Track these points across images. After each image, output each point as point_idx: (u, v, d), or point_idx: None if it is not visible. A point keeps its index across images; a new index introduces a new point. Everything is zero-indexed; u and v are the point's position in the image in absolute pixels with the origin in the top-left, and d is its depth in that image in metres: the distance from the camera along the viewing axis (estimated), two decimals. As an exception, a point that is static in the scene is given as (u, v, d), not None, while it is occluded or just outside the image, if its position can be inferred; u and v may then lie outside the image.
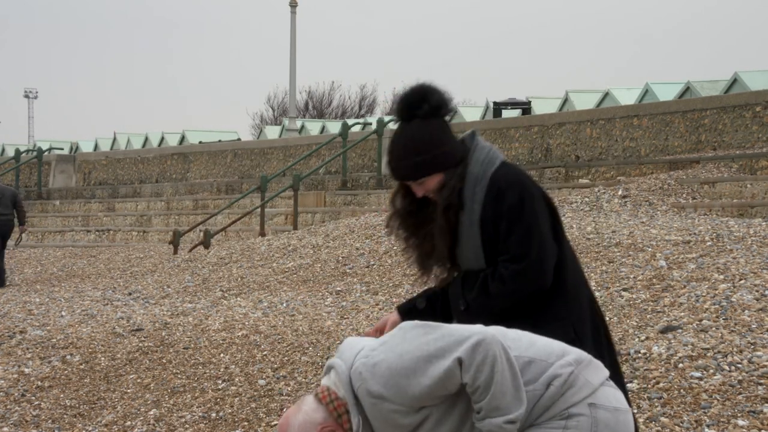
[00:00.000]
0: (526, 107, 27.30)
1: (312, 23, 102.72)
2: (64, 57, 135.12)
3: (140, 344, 8.26)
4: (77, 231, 24.37)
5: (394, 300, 8.91)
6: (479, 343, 2.91)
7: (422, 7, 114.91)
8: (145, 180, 28.01)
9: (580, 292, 3.55)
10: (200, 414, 6.39)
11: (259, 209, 18.70)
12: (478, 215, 3.53)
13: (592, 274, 8.28)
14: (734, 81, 23.92)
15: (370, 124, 23.41)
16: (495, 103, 27.92)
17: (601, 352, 3.44)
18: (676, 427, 4.95)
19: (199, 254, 14.56)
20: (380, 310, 8.65)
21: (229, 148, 26.69)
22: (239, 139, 35.71)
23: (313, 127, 38.24)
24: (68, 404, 6.98)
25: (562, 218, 11.87)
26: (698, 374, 5.48)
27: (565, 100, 29.60)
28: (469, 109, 33.81)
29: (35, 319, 9.93)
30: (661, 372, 5.59)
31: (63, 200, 27.39)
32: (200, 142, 31.28)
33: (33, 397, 7.20)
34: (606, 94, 28.78)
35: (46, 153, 30.49)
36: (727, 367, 5.52)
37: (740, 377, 5.36)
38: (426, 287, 3.76)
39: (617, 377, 3.42)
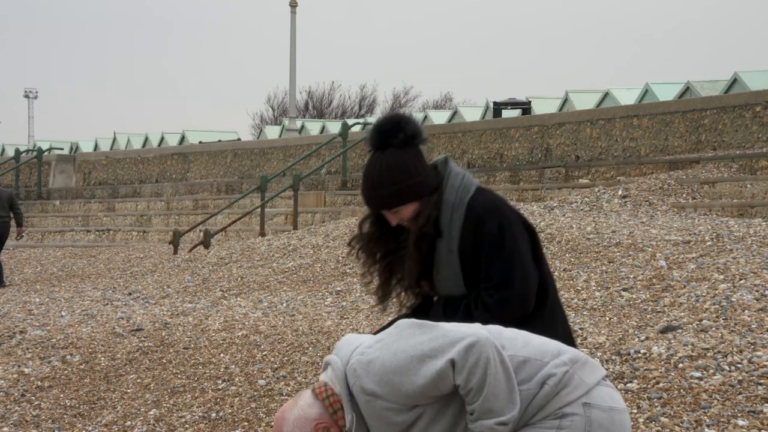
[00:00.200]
0: (526, 107, 27.30)
1: (312, 23, 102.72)
2: (64, 57, 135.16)
3: (140, 344, 8.26)
4: (77, 231, 24.37)
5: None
6: (472, 345, 2.91)
7: (422, 7, 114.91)
8: (145, 180, 28.01)
9: (556, 315, 3.58)
10: (200, 414, 6.39)
11: (259, 209, 18.70)
12: (456, 243, 3.54)
13: (592, 274, 8.29)
14: (734, 81, 23.93)
15: (370, 124, 23.39)
16: (495, 103, 27.93)
17: None
18: (676, 427, 4.95)
19: (199, 254, 14.57)
20: (380, 310, 8.65)
21: (229, 148, 26.69)
22: (239, 139, 35.72)
23: (313, 127, 38.24)
24: (68, 404, 6.98)
25: (562, 218, 11.88)
26: (698, 374, 5.48)
27: (565, 100, 29.60)
28: (469, 109, 33.81)
29: (35, 319, 9.93)
30: (661, 372, 5.59)
31: (63, 200, 27.40)
32: (200, 142, 31.28)
33: (33, 397, 7.20)
34: (606, 94, 28.79)
35: (46, 153, 30.50)
36: (727, 367, 5.52)
37: (740, 377, 5.37)
38: (404, 311, 3.78)
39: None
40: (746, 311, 6.46)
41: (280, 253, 12.84)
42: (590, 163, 17.23)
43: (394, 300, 3.78)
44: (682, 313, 6.67)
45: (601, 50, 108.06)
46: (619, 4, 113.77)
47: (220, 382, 6.96)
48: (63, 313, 10.27)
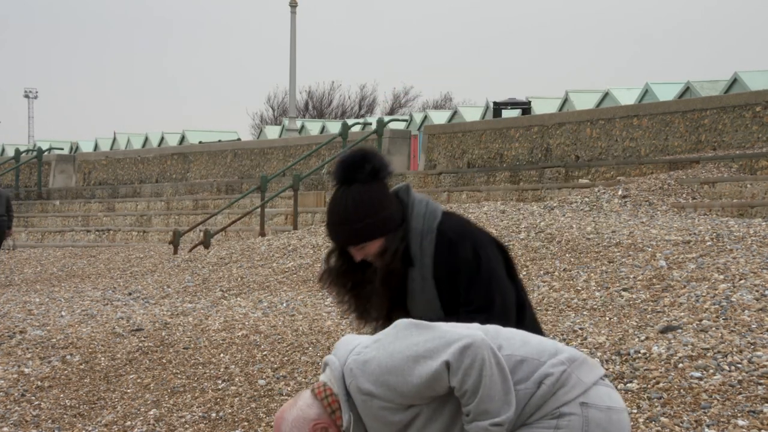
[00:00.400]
0: (526, 107, 27.31)
1: (312, 23, 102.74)
2: (64, 57, 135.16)
3: (140, 344, 8.26)
4: (77, 231, 24.37)
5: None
6: (468, 346, 2.91)
7: (422, 7, 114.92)
8: (145, 180, 28.01)
9: (536, 330, 3.59)
10: (200, 414, 6.39)
11: (259, 209, 18.71)
12: (430, 270, 3.54)
13: (592, 274, 8.29)
14: (734, 81, 23.94)
15: (370, 124, 23.41)
16: (495, 103, 27.93)
17: None
18: (676, 427, 4.95)
19: (199, 254, 14.57)
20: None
21: (229, 148, 26.69)
22: (239, 139, 35.73)
23: (313, 127, 38.26)
24: (68, 404, 6.98)
25: (562, 218, 11.88)
26: (698, 374, 5.48)
27: (565, 100, 29.61)
28: (469, 109, 33.82)
29: (35, 319, 9.93)
30: (661, 372, 5.59)
31: (63, 200, 27.40)
32: (200, 142, 31.29)
33: (33, 397, 7.20)
34: (606, 94, 28.79)
35: (46, 153, 30.50)
36: (727, 367, 5.52)
37: (740, 377, 5.37)
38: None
39: None
40: (746, 311, 6.46)
41: (280, 253, 12.84)
42: (590, 163, 17.23)
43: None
44: (682, 313, 6.67)
45: (601, 50, 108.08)
46: (619, 4, 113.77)
47: (220, 382, 6.96)
48: (63, 313, 10.27)
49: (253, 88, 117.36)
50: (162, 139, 39.38)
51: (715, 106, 16.51)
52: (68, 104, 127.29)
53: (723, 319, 6.40)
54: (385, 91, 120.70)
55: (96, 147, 41.33)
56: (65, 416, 6.75)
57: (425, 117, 34.23)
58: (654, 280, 7.71)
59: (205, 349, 7.84)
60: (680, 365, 5.64)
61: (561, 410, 2.98)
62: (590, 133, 18.24)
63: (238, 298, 10.29)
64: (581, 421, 2.98)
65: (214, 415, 6.34)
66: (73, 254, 18.22)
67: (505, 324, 3.46)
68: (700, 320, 6.43)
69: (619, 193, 13.40)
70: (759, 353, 5.63)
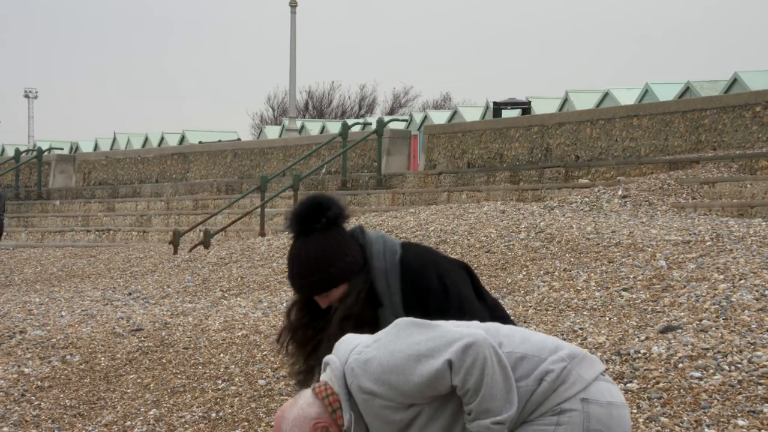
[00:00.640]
0: (526, 107, 27.31)
1: (312, 23, 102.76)
2: (64, 57, 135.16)
3: (140, 344, 8.26)
4: (77, 231, 24.37)
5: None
6: (470, 345, 2.91)
7: (422, 7, 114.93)
8: (145, 180, 28.01)
9: None
10: (200, 414, 6.39)
11: (259, 209, 18.70)
12: (401, 305, 3.53)
13: (592, 274, 8.29)
14: (734, 81, 23.95)
15: (370, 124, 23.42)
16: (495, 103, 27.93)
17: None
18: (676, 427, 4.95)
19: (199, 254, 14.56)
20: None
21: (229, 148, 26.69)
22: (239, 139, 35.74)
23: (313, 127, 38.28)
24: (68, 404, 6.98)
25: (562, 218, 11.88)
26: (698, 374, 5.48)
27: (565, 100, 29.62)
28: (469, 109, 33.83)
29: (35, 319, 9.93)
30: (661, 372, 5.59)
31: (63, 200, 27.40)
32: (200, 142, 31.29)
33: (33, 397, 7.20)
34: (606, 94, 28.80)
35: (46, 153, 30.50)
36: (727, 367, 5.52)
37: (740, 377, 5.37)
38: None
39: None
40: (746, 311, 6.46)
41: (280, 253, 12.84)
42: (590, 163, 17.23)
43: None
44: (682, 313, 6.67)
45: (601, 50, 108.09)
46: (619, 4, 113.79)
47: (220, 382, 6.96)
48: (63, 313, 10.27)
49: (253, 88, 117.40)
50: (162, 139, 39.39)
51: (715, 106, 16.51)
52: (68, 104, 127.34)
53: (723, 319, 6.40)
54: (385, 91, 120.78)
55: (96, 147, 41.34)
56: (65, 416, 6.75)
57: (425, 117, 34.24)
58: (654, 280, 7.71)
59: (205, 349, 7.84)
60: (680, 365, 5.64)
61: (562, 406, 2.99)
62: (590, 133, 18.24)
63: (238, 298, 10.29)
64: (582, 416, 2.99)
65: (214, 415, 6.34)
66: (73, 254, 18.21)
67: None
68: (700, 320, 6.43)
69: (619, 193, 13.40)
70: (759, 353, 5.63)
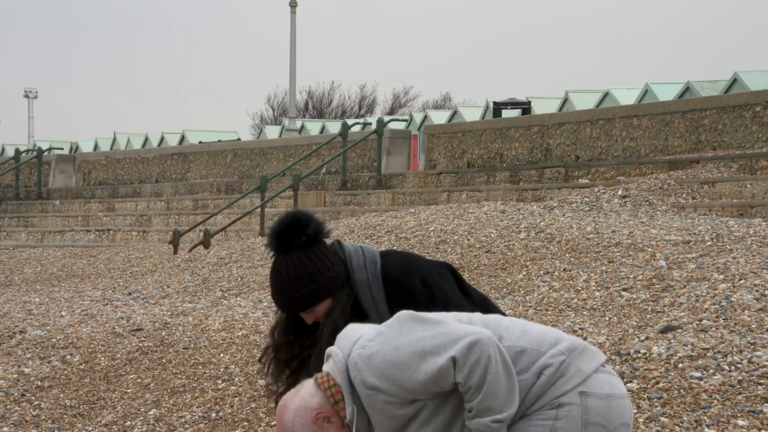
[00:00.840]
0: (526, 107, 27.32)
1: (312, 23, 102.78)
2: (64, 57, 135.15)
3: (140, 344, 8.26)
4: (77, 231, 24.37)
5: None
6: (474, 343, 2.92)
7: (422, 7, 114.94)
8: (145, 180, 28.01)
9: None
10: (200, 414, 6.39)
11: (259, 209, 18.70)
12: (387, 315, 3.52)
13: (592, 274, 8.28)
14: (734, 81, 23.95)
15: (370, 124, 23.42)
16: (495, 103, 27.94)
17: None
18: (676, 427, 4.95)
19: (199, 254, 14.57)
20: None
21: (229, 148, 26.69)
22: (239, 139, 35.74)
23: (313, 127, 38.28)
24: (68, 404, 6.98)
25: (562, 218, 11.87)
26: (698, 374, 5.48)
27: (565, 100, 29.62)
28: (469, 109, 33.83)
29: (35, 319, 9.93)
30: (660, 372, 5.59)
31: (63, 200, 27.40)
32: (200, 142, 31.29)
33: (33, 397, 7.20)
34: (606, 94, 28.80)
35: (46, 153, 30.50)
36: (727, 367, 5.52)
37: (740, 377, 5.37)
38: None
39: None
40: (746, 311, 6.46)
41: (280, 253, 12.84)
42: (590, 163, 17.23)
43: None
44: (682, 313, 6.67)
45: (601, 50, 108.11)
46: (619, 4, 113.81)
47: (220, 382, 6.96)
48: (63, 313, 10.27)
49: (253, 88, 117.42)
50: (162, 139, 39.38)
51: (715, 106, 16.50)
52: (68, 104, 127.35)
53: (723, 319, 6.40)
54: (385, 91, 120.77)
55: (96, 147, 41.33)
56: (65, 416, 6.75)
57: (425, 117, 34.24)
58: (654, 280, 7.71)
59: (205, 349, 7.84)
60: (680, 365, 5.64)
61: (560, 400, 2.99)
62: (590, 133, 18.24)
63: (238, 298, 10.29)
64: (580, 410, 2.99)
65: (214, 415, 6.34)
66: (73, 254, 18.21)
67: None
68: (700, 320, 6.43)
69: (619, 193, 13.40)
70: (759, 353, 5.63)
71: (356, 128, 25.12)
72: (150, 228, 22.80)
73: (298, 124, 36.32)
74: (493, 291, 8.42)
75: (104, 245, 21.52)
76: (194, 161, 26.93)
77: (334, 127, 34.73)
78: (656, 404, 5.21)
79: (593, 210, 12.77)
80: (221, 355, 7.62)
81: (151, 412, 6.55)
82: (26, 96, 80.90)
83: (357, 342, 3.06)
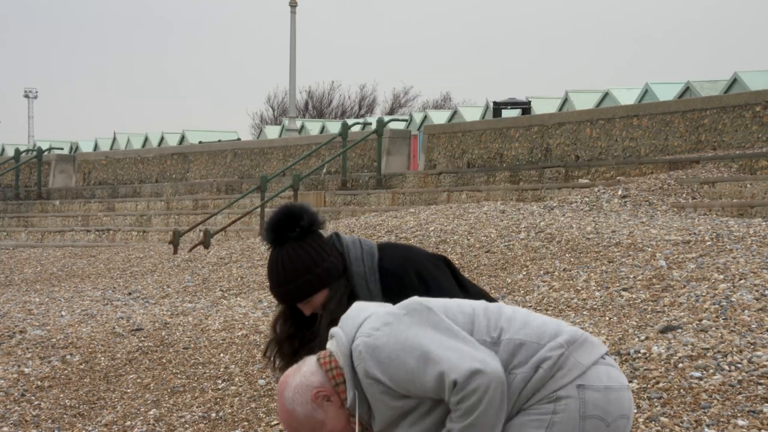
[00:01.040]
0: (526, 107, 27.32)
1: (312, 23, 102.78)
2: (64, 57, 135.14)
3: (140, 344, 8.26)
4: (77, 231, 24.37)
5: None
6: (478, 371, 2.92)
7: (422, 7, 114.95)
8: (145, 180, 28.01)
9: None
10: (200, 414, 6.39)
11: (259, 209, 18.70)
12: None
13: (592, 274, 8.28)
14: (734, 81, 23.95)
15: (370, 124, 23.42)
16: (495, 103, 27.94)
17: None
18: (676, 427, 4.95)
19: (199, 254, 14.57)
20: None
21: (229, 148, 26.69)
22: (239, 139, 35.74)
23: (313, 127, 38.28)
24: (68, 404, 6.98)
25: (562, 218, 11.87)
26: (698, 374, 5.48)
27: (565, 100, 29.61)
28: (469, 109, 33.83)
29: (35, 319, 9.93)
30: (660, 372, 5.59)
31: (63, 200, 27.39)
32: (200, 142, 31.29)
33: (33, 397, 7.20)
34: (606, 94, 28.80)
35: (45, 153, 30.50)
36: (727, 367, 5.52)
37: (740, 377, 5.37)
38: None
39: None
40: (746, 311, 6.46)
41: (280, 253, 12.84)
42: (590, 163, 17.23)
43: None
44: (682, 313, 6.67)
45: (601, 50, 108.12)
46: (619, 4, 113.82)
47: (220, 382, 6.96)
48: (63, 313, 10.27)
49: (253, 88, 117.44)
50: (162, 139, 39.38)
51: (715, 106, 16.51)
52: (68, 104, 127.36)
53: (723, 319, 6.40)
54: (385, 91, 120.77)
55: (96, 147, 41.33)
56: (65, 416, 6.75)
57: (425, 117, 34.24)
58: (654, 280, 7.71)
59: (205, 349, 7.84)
60: (680, 365, 5.64)
61: (558, 393, 2.99)
62: (590, 133, 18.24)
63: (238, 298, 10.29)
64: (578, 403, 2.99)
65: (214, 415, 6.34)
66: (73, 254, 18.21)
67: None
68: (700, 320, 6.42)
69: (619, 193, 13.40)
70: (759, 353, 5.63)
71: (356, 128, 25.12)
72: (150, 228, 22.80)
73: (298, 124, 36.32)
74: (493, 291, 8.42)
75: (104, 245, 21.52)
76: (194, 161, 26.93)
77: (334, 127, 34.73)
78: (656, 404, 5.21)
79: (593, 210, 12.77)
80: (221, 355, 7.62)
81: (151, 412, 6.55)
82: (26, 96, 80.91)
83: (362, 327, 3.06)
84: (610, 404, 3.02)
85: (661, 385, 5.43)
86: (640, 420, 5.05)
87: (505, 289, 8.44)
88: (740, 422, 4.88)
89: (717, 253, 8.33)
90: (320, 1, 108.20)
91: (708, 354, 5.74)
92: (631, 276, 7.96)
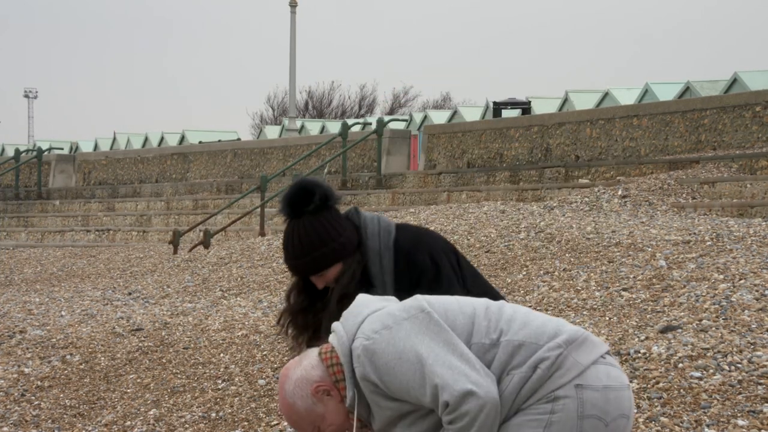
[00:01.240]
0: (526, 107, 27.32)
1: (312, 23, 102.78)
2: (64, 57, 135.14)
3: (140, 344, 8.26)
4: (77, 231, 24.37)
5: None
6: (471, 394, 2.92)
7: (422, 7, 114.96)
8: (145, 180, 28.01)
9: None
10: (200, 414, 6.39)
11: (259, 209, 18.70)
12: (392, 286, 3.60)
13: (592, 274, 8.28)
14: (734, 81, 23.94)
15: (370, 124, 23.42)
16: (495, 103, 27.94)
17: None
18: (676, 427, 4.95)
19: (199, 254, 14.57)
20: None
21: (229, 148, 26.69)
22: (239, 139, 35.73)
23: (313, 127, 38.27)
24: (68, 404, 6.98)
25: (562, 218, 11.87)
26: (698, 374, 5.48)
27: (565, 100, 29.61)
28: (469, 109, 33.82)
29: (35, 319, 9.93)
30: (660, 372, 5.59)
31: (63, 200, 27.39)
32: (200, 142, 31.28)
33: (33, 397, 7.20)
34: (606, 94, 28.79)
35: (45, 153, 30.50)
36: (727, 367, 5.52)
37: (740, 377, 5.37)
38: None
39: None
40: (746, 311, 6.46)
41: (280, 252, 12.84)
42: (590, 163, 17.23)
43: None
44: (682, 313, 6.67)
45: (601, 50, 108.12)
46: (619, 4, 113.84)
47: (220, 382, 6.96)
48: (63, 313, 10.27)
49: (253, 88, 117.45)
50: (162, 139, 39.37)
51: (715, 106, 16.50)
52: (68, 104, 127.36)
53: (723, 319, 6.40)
54: (385, 91, 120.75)
55: (96, 147, 41.32)
56: (65, 416, 6.75)
57: (425, 117, 34.23)
58: (654, 280, 7.71)
59: (205, 349, 7.84)
60: (680, 365, 5.64)
61: (556, 393, 2.98)
62: (590, 133, 18.24)
63: (238, 298, 10.29)
64: (576, 403, 2.98)
65: (214, 415, 6.34)
66: (73, 254, 18.22)
67: None
68: (700, 320, 6.42)
69: (619, 193, 13.41)
70: (759, 353, 5.63)
71: (356, 128, 25.12)
72: (150, 228, 22.80)
73: (298, 124, 36.32)
74: (493, 291, 8.41)
75: (104, 245, 21.52)
76: (194, 161, 26.93)
77: (334, 127, 34.72)
78: (656, 404, 5.21)
79: (593, 210, 12.77)
80: (221, 355, 7.62)
81: (151, 412, 6.55)
82: (26, 96, 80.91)
83: (362, 326, 3.06)
84: (609, 404, 3.01)
85: (661, 385, 5.43)
86: (640, 420, 5.05)
87: (505, 289, 8.44)
88: (740, 422, 4.88)
89: (717, 253, 8.33)
90: (320, 1, 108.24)
91: (708, 354, 5.74)
92: (631, 276, 7.96)
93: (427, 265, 3.57)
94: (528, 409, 2.99)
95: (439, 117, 34.46)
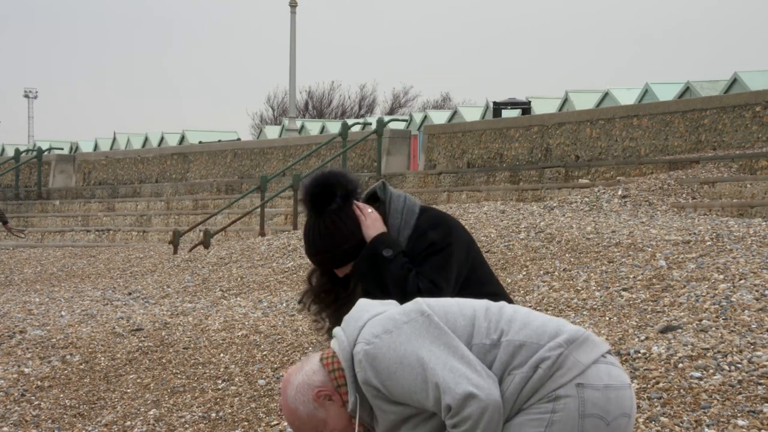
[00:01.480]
0: (526, 107, 27.31)
1: (312, 23, 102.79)
2: (64, 57, 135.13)
3: (140, 344, 8.27)
4: (77, 231, 24.37)
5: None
6: (473, 397, 2.92)
7: (422, 7, 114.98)
8: (145, 180, 28.01)
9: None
10: (200, 414, 6.39)
11: (259, 209, 18.70)
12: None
13: (592, 274, 8.28)
14: (734, 81, 23.93)
15: (370, 124, 23.42)
16: (495, 103, 27.92)
17: None
18: (676, 427, 4.95)
19: (199, 254, 14.57)
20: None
21: (229, 148, 26.69)
22: (239, 139, 35.72)
23: (313, 127, 38.26)
24: (68, 404, 6.98)
25: (562, 218, 11.87)
26: (698, 374, 5.48)
27: (565, 100, 29.60)
28: (469, 109, 33.81)
29: (35, 319, 9.93)
30: (660, 372, 5.59)
31: (63, 200, 27.39)
32: (200, 142, 31.28)
33: (33, 397, 7.20)
34: (606, 94, 28.78)
35: (45, 153, 30.50)
36: (727, 367, 5.52)
37: (740, 377, 5.37)
38: None
39: None
40: (746, 311, 6.46)
41: (280, 252, 12.84)
42: (590, 163, 17.23)
43: None
44: (682, 313, 6.67)
45: (601, 50, 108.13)
46: (619, 4, 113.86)
47: (220, 382, 6.96)
48: (63, 313, 10.27)
49: (253, 88, 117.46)
50: (162, 139, 39.36)
51: (715, 106, 16.51)
52: (68, 104, 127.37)
53: (723, 319, 6.40)
54: (385, 91, 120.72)
55: (96, 147, 41.31)
56: (65, 416, 6.76)
57: (425, 117, 34.22)
58: (654, 280, 7.71)
59: (205, 349, 7.84)
60: (680, 365, 5.64)
61: (557, 393, 2.98)
62: (590, 133, 18.24)
63: (238, 298, 10.29)
64: (577, 402, 2.98)
65: (214, 415, 6.34)
66: (73, 254, 18.22)
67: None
68: (700, 320, 6.43)
69: (619, 193, 13.41)
70: (759, 353, 5.63)
71: (356, 128, 25.12)
72: (150, 228, 22.80)
73: (298, 124, 36.32)
74: (493, 291, 8.41)
75: (104, 245, 21.52)
76: (194, 161, 26.93)
77: (334, 127, 34.72)
78: (656, 404, 5.21)
79: (593, 210, 12.77)
80: (221, 355, 7.62)
81: (151, 412, 6.55)
82: (26, 96, 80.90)
83: (363, 331, 3.06)
84: (610, 403, 3.01)
85: (661, 385, 5.43)
86: (640, 420, 5.05)
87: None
88: (740, 422, 4.88)
89: (717, 253, 8.33)
90: (320, 1, 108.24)
91: (708, 354, 5.74)
92: (631, 276, 7.96)
93: (438, 246, 3.61)
94: (529, 409, 2.99)
95: (439, 117, 34.45)
